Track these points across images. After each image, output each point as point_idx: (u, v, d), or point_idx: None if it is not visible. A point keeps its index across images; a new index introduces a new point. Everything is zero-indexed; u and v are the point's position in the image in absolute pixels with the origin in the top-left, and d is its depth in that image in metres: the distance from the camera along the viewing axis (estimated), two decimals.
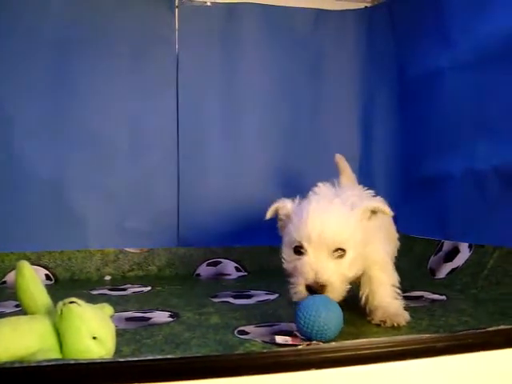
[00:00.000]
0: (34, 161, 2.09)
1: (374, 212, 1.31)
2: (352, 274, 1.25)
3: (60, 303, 0.97)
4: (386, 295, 1.36)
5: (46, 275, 2.04)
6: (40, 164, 2.09)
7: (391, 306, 1.34)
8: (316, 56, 2.33)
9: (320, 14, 2.34)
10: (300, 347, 0.88)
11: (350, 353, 0.84)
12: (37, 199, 2.08)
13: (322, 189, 1.35)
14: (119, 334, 1.06)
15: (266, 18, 2.28)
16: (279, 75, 2.29)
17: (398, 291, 1.38)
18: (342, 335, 1.14)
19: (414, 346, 0.88)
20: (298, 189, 1.96)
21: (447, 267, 1.86)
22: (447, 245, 1.92)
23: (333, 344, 0.90)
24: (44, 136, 2.11)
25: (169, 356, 0.75)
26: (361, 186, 1.50)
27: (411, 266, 1.94)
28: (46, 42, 2.11)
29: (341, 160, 1.78)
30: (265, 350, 0.99)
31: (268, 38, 2.28)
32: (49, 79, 2.11)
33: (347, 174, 1.74)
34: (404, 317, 1.31)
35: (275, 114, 2.28)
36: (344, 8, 2.38)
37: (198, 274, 2.14)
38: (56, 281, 2.04)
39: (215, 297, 1.70)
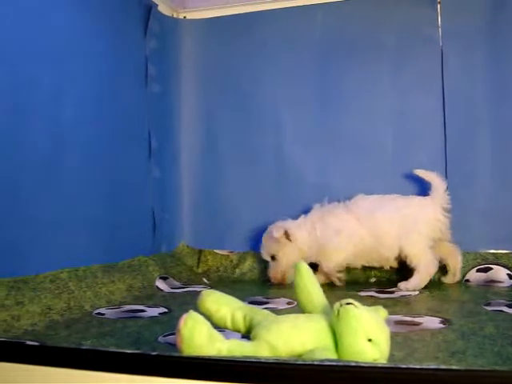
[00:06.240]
0: (301, 165, 2.21)
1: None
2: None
3: (337, 304, 0.99)
4: None
5: None
6: (306, 168, 2.21)
7: None
8: None
9: None
10: None
11: None
12: (304, 202, 2.18)
13: None
14: (390, 337, 1.06)
15: None
16: None
17: None
18: None
19: None
20: None
21: None
22: None
23: None
24: (310, 141, 2.22)
25: (453, 367, 0.72)
26: None
27: None
28: (312, 50, 2.23)
29: None
30: None
31: None
32: (314, 85, 2.23)
33: None
34: None
35: None
36: None
37: (467, 280, 2.05)
38: None
39: (488, 305, 1.61)
